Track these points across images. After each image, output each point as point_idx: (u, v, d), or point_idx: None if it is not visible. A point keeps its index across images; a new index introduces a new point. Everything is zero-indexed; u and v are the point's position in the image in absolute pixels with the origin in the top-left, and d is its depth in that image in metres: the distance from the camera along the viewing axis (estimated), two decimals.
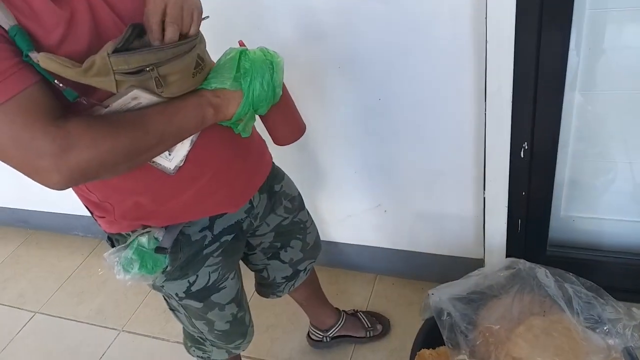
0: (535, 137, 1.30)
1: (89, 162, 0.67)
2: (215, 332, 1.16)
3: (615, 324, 1.07)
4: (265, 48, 0.84)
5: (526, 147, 1.31)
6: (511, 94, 1.19)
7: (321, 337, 1.60)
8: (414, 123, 1.38)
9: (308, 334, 1.63)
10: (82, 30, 0.70)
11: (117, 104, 0.71)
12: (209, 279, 1.04)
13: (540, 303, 1.18)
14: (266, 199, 1.10)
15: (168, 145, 0.79)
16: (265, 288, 1.32)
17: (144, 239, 0.90)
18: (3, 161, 0.67)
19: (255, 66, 0.81)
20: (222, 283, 1.07)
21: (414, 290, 1.71)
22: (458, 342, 1.18)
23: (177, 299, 1.06)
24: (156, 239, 0.91)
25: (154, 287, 1.04)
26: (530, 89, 1.21)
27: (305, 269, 1.30)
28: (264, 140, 1.10)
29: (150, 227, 0.93)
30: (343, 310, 1.63)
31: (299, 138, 0.96)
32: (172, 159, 0.84)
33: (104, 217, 0.93)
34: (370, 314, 1.64)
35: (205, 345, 1.24)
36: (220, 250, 1.02)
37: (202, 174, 0.90)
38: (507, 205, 1.40)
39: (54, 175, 0.66)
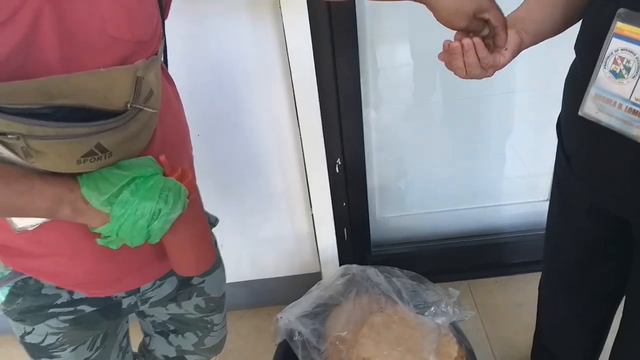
0: (345, 152, 1.43)
1: None
2: None
3: (438, 304, 1.24)
4: (174, 183, 0.69)
5: (339, 163, 1.43)
6: (320, 117, 1.30)
7: None
8: (236, 154, 1.40)
9: None
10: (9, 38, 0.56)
11: None
12: (43, 340, 0.87)
13: (376, 301, 1.30)
14: (172, 288, 0.95)
15: (2, 216, 0.68)
16: (145, 352, 1.17)
17: None
18: None
19: (139, 204, 0.66)
20: (56, 351, 0.90)
21: (263, 318, 1.71)
22: (312, 358, 1.22)
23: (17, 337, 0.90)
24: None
25: None
26: (334, 110, 1.34)
27: None
28: None
29: None
30: None
31: (200, 272, 0.83)
32: (22, 218, 0.69)
33: None
34: None
35: None
36: (70, 317, 0.86)
37: (52, 251, 0.75)
38: (332, 217, 1.51)
39: None
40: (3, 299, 0.82)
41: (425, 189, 1.70)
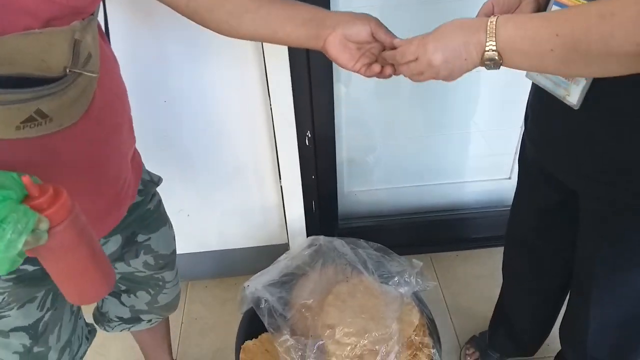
0: (315, 125, 1.44)
1: None
2: None
3: (402, 275, 1.27)
4: (24, 212, 0.56)
5: (309, 136, 1.44)
6: (291, 88, 1.30)
7: None
8: (203, 122, 1.38)
9: None
10: None
11: None
12: None
13: (342, 271, 1.33)
14: (117, 246, 0.94)
15: None
16: (98, 316, 1.17)
17: None
18: None
19: None
20: (3, 311, 0.88)
21: (228, 288, 1.73)
22: (279, 325, 1.24)
23: None
24: None
25: None
26: (306, 82, 1.33)
27: (150, 320, 1.18)
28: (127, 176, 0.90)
29: None
30: None
31: (88, 303, 0.74)
32: None
33: None
34: None
35: None
36: (13, 277, 0.83)
37: None
38: (301, 190, 1.52)
39: None
40: None
41: (392, 164, 1.73)
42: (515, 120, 1.61)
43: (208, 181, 1.52)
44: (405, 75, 0.78)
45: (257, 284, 1.32)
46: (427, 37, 0.71)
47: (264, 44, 1.20)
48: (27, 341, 0.94)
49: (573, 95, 0.74)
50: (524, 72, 0.93)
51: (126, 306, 1.12)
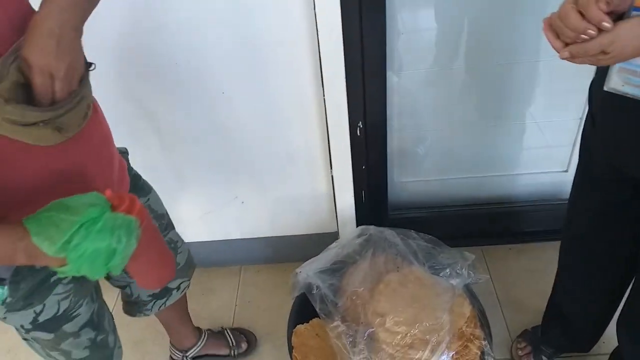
0: (367, 116, 1.45)
1: None
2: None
3: (454, 267, 1.27)
4: (123, 219, 0.69)
5: (361, 126, 1.45)
6: (344, 80, 1.31)
7: (180, 357, 1.54)
8: (259, 113, 1.42)
9: (170, 353, 1.56)
10: None
11: None
12: (58, 309, 0.92)
13: (393, 261, 1.34)
14: None
15: None
16: (131, 306, 1.22)
17: None
18: None
19: (93, 247, 0.66)
20: (74, 311, 0.96)
21: (279, 273, 1.78)
22: (330, 311, 1.28)
23: (24, 331, 0.93)
24: None
25: None
26: (359, 73, 1.34)
27: (178, 287, 1.25)
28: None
29: None
30: (207, 330, 1.58)
31: (163, 285, 0.86)
32: None
33: None
34: (237, 331, 1.62)
35: None
36: (70, 277, 0.89)
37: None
38: (352, 179, 1.54)
39: None
40: (6, 292, 0.82)
41: (443, 155, 1.71)
42: (573, 111, 1.56)
43: (261, 169, 1.56)
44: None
45: (309, 271, 1.36)
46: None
47: (319, 34, 1.22)
48: (92, 334, 1.02)
49: None
50: (580, 68, 0.92)
51: None
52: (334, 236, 1.70)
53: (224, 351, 1.57)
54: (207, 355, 1.56)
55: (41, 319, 0.91)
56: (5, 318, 0.90)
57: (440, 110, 1.62)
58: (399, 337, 1.17)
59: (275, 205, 1.66)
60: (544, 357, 1.41)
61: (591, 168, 1.01)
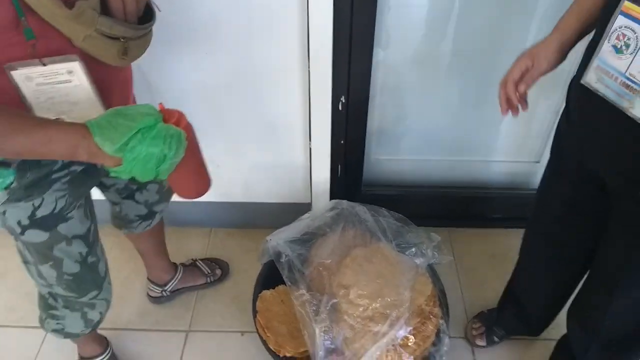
0: (350, 91, 1.45)
1: None
2: (65, 277, 1.08)
3: (420, 246, 1.31)
4: (174, 130, 0.77)
5: (343, 101, 1.45)
6: (331, 52, 1.30)
7: (160, 292, 1.60)
8: (242, 77, 1.40)
9: (147, 292, 1.62)
10: None
11: (42, 70, 0.78)
12: (55, 205, 0.97)
13: (362, 236, 1.37)
14: None
15: (28, 156, 0.82)
16: (119, 221, 1.33)
17: None
18: None
19: (147, 151, 0.74)
20: (69, 212, 1.01)
21: (249, 239, 1.79)
22: (296, 279, 1.31)
23: (20, 230, 0.97)
24: None
25: None
26: (346, 46, 1.34)
27: (162, 210, 1.35)
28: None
29: None
30: (180, 263, 1.64)
31: (199, 196, 0.93)
32: None
33: None
34: (209, 260, 1.70)
35: (57, 310, 1.17)
36: (68, 178, 0.97)
37: None
38: (329, 153, 1.55)
39: None
40: (11, 178, 0.87)
41: (421, 135, 1.73)
42: (552, 104, 1.59)
43: (240, 134, 1.55)
44: None
45: (279, 239, 1.38)
46: None
47: (309, 4, 1.20)
48: (84, 249, 1.08)
49: (637, 108, 0.74)
50: (563, 64, 0.94)
51: (140, 203, 1.27)
52: (306, 207, 1.72)
53: (201, 280, 1.64)
54: (184, 287, 1.63)
55: (39, 214, 0.97)
56: (4, 212, 0.95)
57: (423, 91, 1.62)
58: (360, 309, 1.21)
59: (250, 172, 1.66)
60: (495, 338, 1.48)
61: (561, 162, 1.05)
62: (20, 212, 0.95)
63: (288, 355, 1.30)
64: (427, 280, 1.32)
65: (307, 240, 1.41)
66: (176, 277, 1.61)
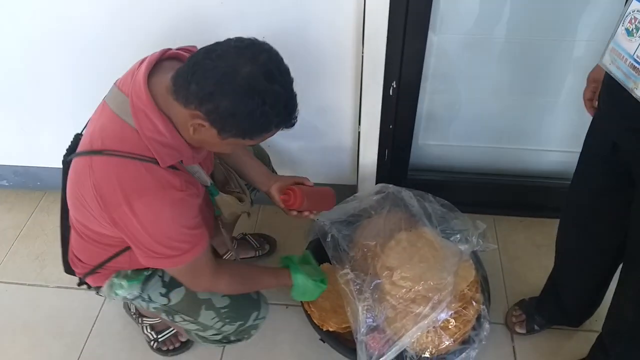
0: (402, 76, 1.45)
1: (216, 291, 1.21)
2: (222, 311, 1.22)
3: (464, 233, 1.32)
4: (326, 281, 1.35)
5: (394, 86, 1.46)
6: (386, 37, 1.31)
7: None
8: (296, 61, 1.43)
9: None
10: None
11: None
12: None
13: (407, 220, 1.40)
14: None
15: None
16: None
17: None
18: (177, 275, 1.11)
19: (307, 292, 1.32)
20: None
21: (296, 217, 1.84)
22: (341, 258, 1.35)
23: (166, 300, 1.19)
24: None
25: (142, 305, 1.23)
26: (400, 31, 1.34)
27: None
28: None
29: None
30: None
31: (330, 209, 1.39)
32: None
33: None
34: (258, 235, 1.76)
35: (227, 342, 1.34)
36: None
37: None
38: (378, 137, 1.57)
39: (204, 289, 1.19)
40: (135, 293, 1.19)
41: (471, 122, 1.72)
42: None
43: None
44: None
45: (325, 219, 1.43)
46: None
47: None
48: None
49: None
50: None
51: None
52: (352, 189, 1.75)
53: (251, 253, 1.72)
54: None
55: (166, 279, 1.20)
56: (149, 296, 1.20)
57: (474, 77, 1.61)
58: (403, 290, 1.25)
59: (299, 152, 1.70)
60: (535, 326, 1.49)
61: (593, 148, 1.06)
62: (155, 286, 1.18)
63: (331, 329, 1.35)
64: (471, 267, 1.33)
65: (353, 222, 1.45)
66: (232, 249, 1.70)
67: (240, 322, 1.26)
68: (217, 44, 0.90)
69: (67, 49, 1.48)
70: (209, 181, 1.13)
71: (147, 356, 1.52)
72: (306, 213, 1.29)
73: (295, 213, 1.29)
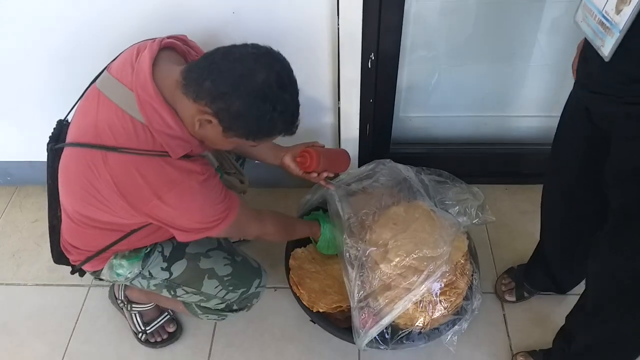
0: (380, 47, 1.41)
1: (265, 237, 1.27)
2: (225, 278, 1.23)
3: (463, 204, 1.31)
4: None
5: (372, 58, 1.42)
6: (362, 6, 1.26)
7: None
8: (269, 37, 1.37)
9: None
10: None
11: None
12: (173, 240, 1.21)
13: (405, 191, 1.38)
14: None
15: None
16: None
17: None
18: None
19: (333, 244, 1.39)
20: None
21: (276, 197, 1.81)
22: (340, 227, 1.33)
23: (167, 273, 1.19)
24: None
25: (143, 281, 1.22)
26: (376, 0, 1.29)
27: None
28: None
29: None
30: None
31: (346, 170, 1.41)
32: None
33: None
34: None
35: (228, 312, 1.35)
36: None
37: None
38: (358, 112, 1.53)
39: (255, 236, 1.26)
40: (136, 271, 1.18)
41: (451, 91, 1.70)
42: None
43: None
44: None
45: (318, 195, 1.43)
46: None
47: None
48: (225, 254, 1.29)
49: (606, 46, 0.77)
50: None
51: None
52: None
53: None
54: None
55: (166, 253, 1.21)
56: (150, 273, 1.21)
57: (453, 45, 1.58)
58: (397, 259, 1.22)
59: None
60: (525, 294, 1.50)
61: (568, 113, 1.06)
62: (156, 261, 1.18)
63: (321, 310, 1.33)
64: (463, 237, 1.33)
65: (351, 194, 1.42)
66: None
67: (243, 289, 1.28)
68: (234, 46, 0.94)
69: (31, 40, 1.40)
70: (216, 163, 1.16)
71: (135, 349, 1.49)
72: (324, 174, 1.31)
73: (315, 175, 1.30)
